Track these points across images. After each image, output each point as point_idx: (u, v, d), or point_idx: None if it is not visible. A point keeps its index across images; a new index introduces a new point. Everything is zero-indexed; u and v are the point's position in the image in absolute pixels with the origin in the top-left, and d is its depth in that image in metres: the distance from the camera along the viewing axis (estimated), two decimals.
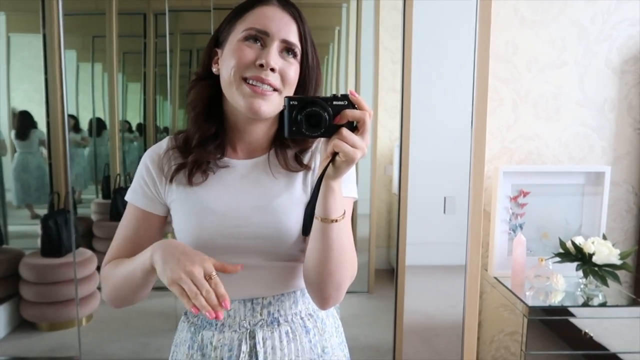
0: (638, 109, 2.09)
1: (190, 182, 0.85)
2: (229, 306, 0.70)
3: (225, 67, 0.81)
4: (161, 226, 0.89)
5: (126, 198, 0.89)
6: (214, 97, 0.86)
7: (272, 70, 0.79)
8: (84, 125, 2.64)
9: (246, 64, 0.79)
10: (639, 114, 2.10)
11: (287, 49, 0.81)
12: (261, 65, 0.78)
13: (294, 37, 0.81)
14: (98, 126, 2.65)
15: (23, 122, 2.60)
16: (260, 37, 0.80)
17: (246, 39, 0.80)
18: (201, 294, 0.68)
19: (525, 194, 2.04)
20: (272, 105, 0.80)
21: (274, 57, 0.79)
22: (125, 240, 0.88)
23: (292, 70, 0.81)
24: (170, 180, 0.86)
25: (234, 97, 0.80)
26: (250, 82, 0.79)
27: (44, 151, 2.63)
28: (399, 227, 1.93)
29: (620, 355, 1.81)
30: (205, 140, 0.85)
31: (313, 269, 0.79)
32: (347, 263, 0.79)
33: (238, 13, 0.83)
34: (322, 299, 0.81)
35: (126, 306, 0.87)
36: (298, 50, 0.82)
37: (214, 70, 0.86)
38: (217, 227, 0.83)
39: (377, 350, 2.37)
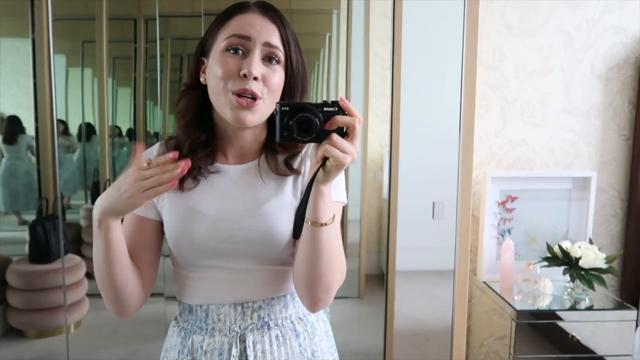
0: (623, 115, 2.13)
1: (181, 188, 0.85)
2: (188, 164, 0.72)
3: (212, 78, 0.82)
4: (156, 231, 0.89)
5: None
6: (203, 106, 0.87)
7: (255, 78, 0.79)
8: (74, 130, 2.62)
9: (231, 76, 0.79)
10: (623, 120, 2.13)
11: (269, 55, 0.81)
12: (245, 75, 0.79)
13: (276, 41, 0.82)
14: (87, 131, 2.63)
15: (11, 127, 2.58)
16: (241, 45, 0.80)
17: (228, 49, 0.80)
18: (161, 175, 0.71)
19: (513, 199, 2.07)
20: (257, 113, 0.81)
21: (256, 65, 0.79)
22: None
23: (276, 76, 0.82)
24: None
25: (221, 108, 0.81)
26: (237, 94, 0.79)
27: (32, 157, 2.60)
28: (389, 232, 1.94)
29: (607, 358, 1.83)
30: (196, 147, 0.86)
31: (303, 272, 0.80)
32: (337, 266, 0.80)
33: (220, 22, 0.84)
34: (312, 302, 0.82)
35: (121, 304, 0.84)
36: (281, 53, 0.82)
37: (201, 79, 0.86)
38: (208, 231, 0.84)
39: (367, 355, 2.37)
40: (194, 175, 0.85)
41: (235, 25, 0.81)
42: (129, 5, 2.64)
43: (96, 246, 0.78)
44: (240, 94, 0.79)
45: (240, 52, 0.80)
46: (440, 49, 1.80)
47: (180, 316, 0.93)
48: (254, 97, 0.79)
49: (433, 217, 1.85)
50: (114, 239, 0.77)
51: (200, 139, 0.86)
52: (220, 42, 0.82)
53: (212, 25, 0.86)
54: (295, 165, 0.89)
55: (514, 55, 2.07)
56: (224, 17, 0.83)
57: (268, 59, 0.82)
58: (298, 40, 0.86)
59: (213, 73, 0.81)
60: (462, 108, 1.77)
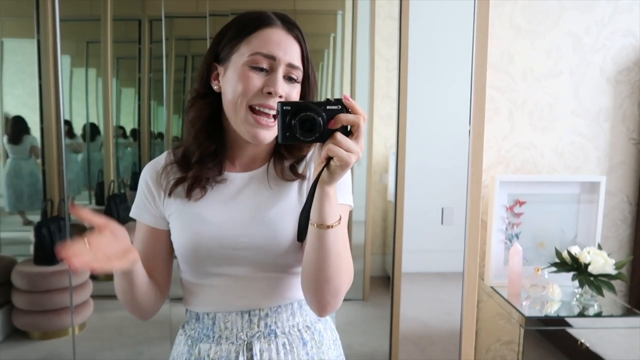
0: (632, 118, 2.11)
1: (189, 197, 0.85)
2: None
3: (231, 90, 0.81)
4: (167, 240, 0.89)
5: (131, 215, 0.90)
6: (214, 114, 0.86)
7: (280, 97, 0.80)
8: (78, 130, 2.62)
9: (253, 92, 0.79)
10: (633, 123, 2.11)
11: (290, 74, 0.82)
12: (269, 93, 0.79)
13: (297, 60, 0.82)
14: (92, 132, 2.63)
15: (16, 128, 2.58)
16: (266, 63, 0.80)
17: (252, 66, 0.80)
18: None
19: (521, 204, 2.05)
20: (273, 132, 0.81)
21: (281, 84, 0.79)
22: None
23: (295, 93, 0.83)
24: (169, 194, 0.86)
25: (238, 123, 0.81)
26: (257, 108, 0.79)
27: (37, 158, 2.60)
28: (395, 234, 1.93)
29: None
30: (205, 157, 0.85)
31: (310, 276, 0.78)
32: (344, 269, 0.79)
33: (241, 33, 0.82)
34: (320, 306, 0.81)
35: (144, 313, 0.89)
36: (301, 73, 0.83)
37: (214, 87, 0.85)
38: (214, 238, 0.83)
39: (372, 358, 2.36)
40: (202, 185, 0.85)
41: (260, 41, 0.80)
42: (134, 6, 2.64)
43: (116, 280, 0.82)
44: (260, 108, 0.79)
45: (264, 70, 0.80)
46: (448, 50, 1.79)
47: (187, 324, 0.93)
48: (275, 117, 0.80)
49: (442, 222, 1.83)
50: (137, 277, 0.80)
51: (210, 149, 0.85)
52: (244, 56, 0.80)
53: (230, 32, 0.83)
54: (300, 169, 0.88)
55: (523, 58, 2.05)
56: (245, 29, 0.82)
57: (288, 78, 0.82)
58: (310, 55, 0.86)
59: (232, 86, 0.80)
60: (472, 111, 1.75)
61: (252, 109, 0.80)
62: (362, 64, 2.55)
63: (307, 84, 0.85)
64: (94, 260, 0.68)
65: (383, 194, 2.63)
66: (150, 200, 0.88)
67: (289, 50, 0.81)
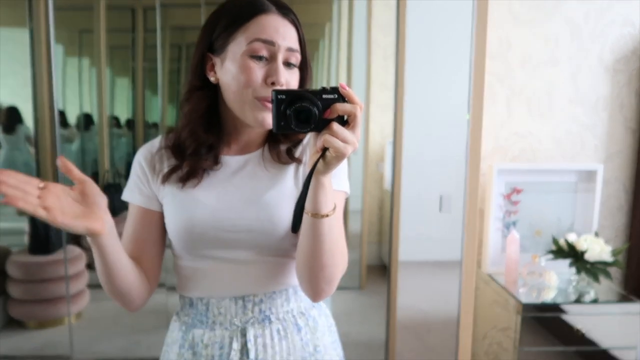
0: (630, 107, 2.10)
1: (183, 185, 0.84)
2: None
3: (234, 82, 0.79)
4: (159, 223, 0.87)
5: (123, 197, 0.88)
6: (211, 106, 0.85)
7: (281, 86, 0.79)
8: (72, 120, 2.60)
9: (257, 83, 0.78)
10: (630, 112, 2.11)
11: (289, 59, 0.81)
12: (272, 83, 0.78)
13: (296, 45, 0.81)
14: (86, 121, 2.61)
15: (9, 118, 2.55)
16: (266, 50, 0.79)
17: (252, 55, 0.78)
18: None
19: (518, 192, 2.04)
20: None
21: (282, 72, 0.79)
22: (127, 239, 0.87)
23: (295, 78, 0.82)
24: (163, 180, 0.85)
25: (244, 112, 0.80)
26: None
27: (31, 148, 2.58)
28: (392, 223, 1.93)
29: (611, 351, 1.82)
30: (200, 149, 0.84)
31: (305, 263, 0.78)
32: (339, 257, 0.78)
33: (236, 21, 0.80)
34: (315, 293, 0.80)
35: (127, 301, 0.84)
36: (299, 56, 0.82)
37: (210, 79, 0.84)
38: (208, 221, 0.82)
39: (369, 347, 2.37)
40: (198, 175, 0.84)
41: (257, 28, 0.79)
42: None
43: (96, 261, 0.76)
44: (266, 99, 0.78)
45: (264, 58, 0.79)
46: (446, 38, 1.77)
47: (181, 310, 0.92)
48: None
49: (440, 210, 1.83)
50: (107, 254, 0.74)
51: (207, 142, 0.84)
52: (242, 45, 0.79)
53: (223, 21, 0.81)
54: (297, 154, 0.87)
55: (521, 46, 2.04)
56: (240, 17, 0.80)
57: (287, 63, 0.81)
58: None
59: (234, 77, 0.79)
60: (470, 99, 1.74)
61: (258, 99, 0.79)
62: (358, 53, 2.53)
63: (305, 69, 0.84)
64: (38, 205, 0.63)
65: (379, 182, 2.62)
66: (143, 181, 0.86)
67: (287, 35, 0.80)
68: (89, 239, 0.72)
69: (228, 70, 0.80)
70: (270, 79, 0.78)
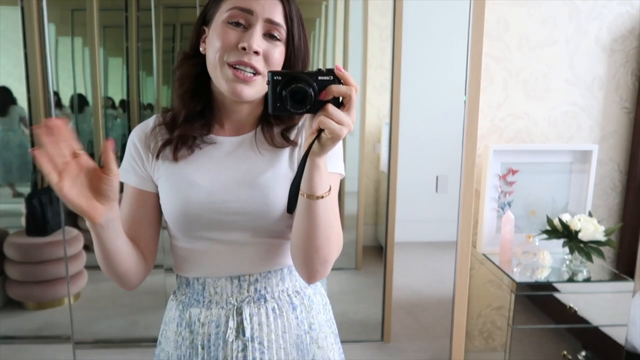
0: (626, 87, 2.10)
1: (175, 157, 0.84)
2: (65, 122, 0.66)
3: (211, 49, 0.80)
4: (155, 203, 0.88)
5: (120, 179, 0.87)
6: (201, 75, 0.85)
7: (256, 53, 0.77)
8: (65, 101, 2.57)
9: (229, 48, 0.77)
10: (626, 92, 2.10)
11: (271, 31, 0.79)
12: (244, 49, 0.76)
13: (279, 17, 0.79)
14: (80, 102, 2.58)
15: (2, 98, 2.53)
16: (243, 18, 0.78)
17: (228, 21, 0.78)
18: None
19: (514, 172, 2.05)
20: (255, 88, 0.79)
21: (257, 39, 0.77)
22: (123, 220, 0.86)
23: (277, 52, 0.80)
24: (157, 157, 0.85)
25: (218, 80, 0.80)
26: (234, 66, 0.77)
27: (25, 129, 2.56)
28: (388, 204, 1.94)
29: (602, 329, 1.85)
30: (192, 117, 0.84)
31: (300, 245, 0.79)
32: (334, 238, 0.79)
33: None
34: (309, 274, 0.81)
35: (125, 280, 0.84)
36: (283, 30, 0.80)
37: (201, 49, 0.84)
38: (203, 202, 0.83)
39: (365, 326, 2.41)
40: (189, 144, 0.84)
41: None
42: None
43: (95, 242, 0.76)
44: (237, 66, 0.77)
45: (241, 25, 0.78)
46: (443, 19, 1.76)
47: (178, 290, 0.93)
48: (254, 72, 0.78)
49: (437, 190, 1.84)
50: (103, 243, 0.75)
51: (196, 109, 0.84)
52: (222, 13, 0.79)
53: None
54: (292, 136, 0.87)
55: (518, 26, 2.02)
56: None
57: (269, 35, 0.79)
58: (302, 16, 0.83)
59: (212, 44, 0.79)
60: (468, 80, 1.73)
61: (230, 66, 0.78)
62: (355, 33, 2.50)
63: (292, 45, 0.82)
64: (56, 168, 0.63)
65: (376, 164, 2.62)
66: (138, 162, 0.86)
67: (267, 6, 0.78)
68: (87, 222, 0.72)
69: (210, 39, 0.80)
70: (242, 43, 0.77)
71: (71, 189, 0.66)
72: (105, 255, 0.77)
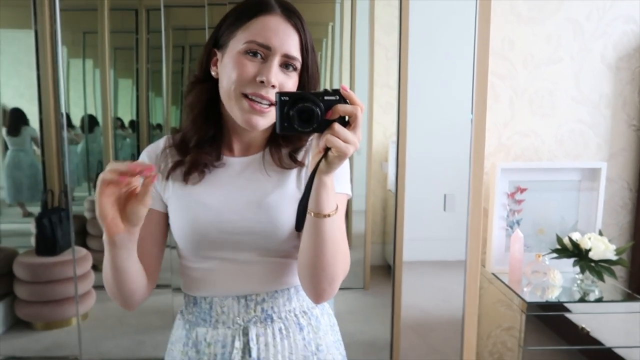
0: (633, 105, 2.10)
1: (186, 181, 0.85)
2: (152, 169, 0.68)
3: (226, 77, 0.81)
4: (162, 223, 0.88)
5: None
6: (212, 99, 0.86)
7: (273, 86, 0.78)
8: (76, 122, 2.61)
9: (246, 80, 0.78)
10: (633, 110, 2.10)
11: (287, 63, 0.81)
12: (262, 82, 0.78)
13: (295, 51, 0.81)
14: (90, 123, 2.62)
15: (14, 119, 2.57)
16: (262, 51, 0.79)
17: (247, 52, 0.79)
18: (123, 175, 0.67)
19: (522, 191, 2.04)
20: (268, 119, 0.81)
21: (274, 73, 0.78)
22: None
23: (291, 82, 0.81)
24: (167, 177, 0.86)
25: (232, 109, 0.81)
26: (250, 97, 0.78)
27: (36, 149, 2.60)
28: (396, 223, 1.93)
29: (616, 350, 1.81)
30: (203, 142, 0.85)
31: (307, 264, 0.79)
32: (341, 257, 0.79)
33: (239, 18, 0.81)
34: (316, 293, 0.81)
35: (128, 300, 0.84)
36: (299, 63, 0.82)
37: (212, 73, 0.85)
38: (212, 222, 0.83)
39: (373, 347, 2.37)
40: (200, 169, 0.85)
41: (257, 29, 0.79)
42: None
43: (106, 258, 0.77)
44: (253, 97, 0.78)
45: (259, 55, 0.79)
46: (449, 38, 1.77)
47: (185, 309, 0.93)
48: (269, 104, 0.79)
49: (444, 209, 1.83)
50: (118, 256, 0.76)
51: (208, 134, 0.85)
52: (239, 43, 0.80)
53: (230, 18, 0.83)
54: (299, 157, 0.88)
55: (523, 45, 2.04)
56: (244, 14, 0.81)
57: (285, 66, 0.81)
58: (314, 45, 0.85)
59: (227, 73, 0.80)
60: (474, 98, 1.74)
61: (245, 96, 0.79)
62: (361, 53, 2.53)
63: (306, 75, 0.83)
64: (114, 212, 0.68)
65: (383, 182, 2.62)
66: None
67: (286, 40, 0.79)
68: (104, 236, 0.73)
69: (225, 65, 0.81)
70: (260, 77, 0.78)
71: (108, 197, 0.68)
72: (114, 273, 0.78)
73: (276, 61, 0.79)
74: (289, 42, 0.80)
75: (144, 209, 0.71)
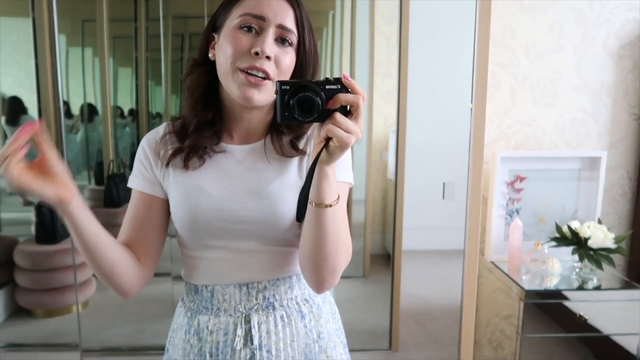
0: (634, 94, 2.09)
1: (186, 167, 0.84)
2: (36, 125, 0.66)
3: (222, 54, 0.80)
4: (162, 209, 0.87)
5: (128, 185, 0.89)
6: (211, 83, 0.85)
7: (268, 58, 0.78)
8: (75, 110, 2.60)
9: (241, 53, 0.78)
10: (635, 99, 2.09)
11: (282, 37, 0.80)
12: (256, 54, 0.77)
13: (290, 23, 0.80)
14: (89, 112, 2.61)
15: (13, 108, 2.56)
16: (255, 24, 0.79)
17: (241, 26, 0.79)
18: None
19: (522, 179, 2.04)
20: (266, 94, 0.80)
21: (269, 44, 0.78)
22: (127, 222, 0.87)
23: (288, 58, 0.80)
24: (167, 165, 0.86)
25: (229, 85, 0.80)
26: (247, 71, 0.78)
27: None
28: (396, 212, 1.93)
29: (614, 338, 1.83)
30: (203, 126, 0.84)
31: (308, 254, 0.78)
32: (342, 247, 0.79)
33: None
34: (318, 283, 0.81)
35: (119, 288, 0.83)
36: (294, 36, 0.81)
37: (210, 56, 0.85)
38: (213, 211, 0.83)
39: (373, 335, 2.39)
40: (200, 154, 0.84)
41: (251, 3, 0.79)
42: None
43: (72, 235, 0.75)
44: (249, 71, 0.77)
45: (253, 30, 0.79)
46: (450, 26, 1.76)
47: (186, 297, 0.93)
48: (265, 76, 0.78)
49: (443, 197, 1.83)
50: (80, 224, 0.73)
51: (207, 118, 0.85)
52: (234, 19, 0.79)
53: (225, 0, 0.83)
54: (301, 145, 0.87)
55: (525, 33, 2.02)
56: None
57: (281, 40, 0.80)
58: (311, 22, 0.84)
59: (223, 50, 0.80)
60: (474, 87, 1.73)
61: (241, 70, 0.78)
62: (361, 42, 2.51)
63: (303, 51, 0.82)
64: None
65: (383, 172, 2.62)
66: (147, 167, 0.87)
67: (279, 12, 0.79)
68: (59, 212, 0.71)
69: (221, 44, 0.81)
70: (254, 48, 0.77)
71: (15, 167, 0.65)
72: (85, 243, 0.75)
73: (271, 32, 0.78)
74: (283, 13, 0.79)
75: (54, 156, 0.69)
